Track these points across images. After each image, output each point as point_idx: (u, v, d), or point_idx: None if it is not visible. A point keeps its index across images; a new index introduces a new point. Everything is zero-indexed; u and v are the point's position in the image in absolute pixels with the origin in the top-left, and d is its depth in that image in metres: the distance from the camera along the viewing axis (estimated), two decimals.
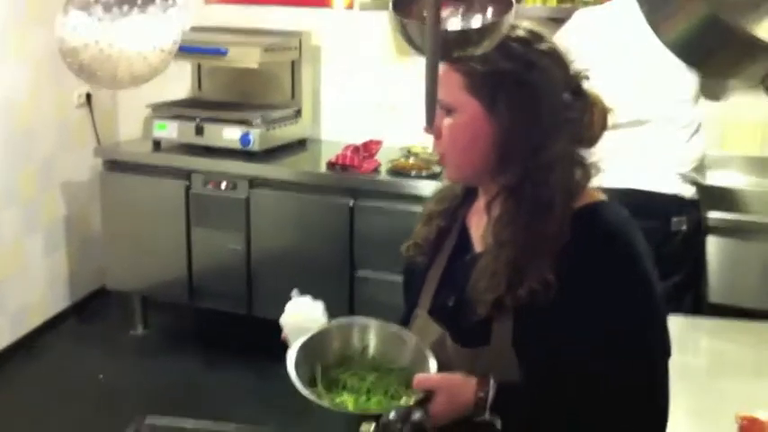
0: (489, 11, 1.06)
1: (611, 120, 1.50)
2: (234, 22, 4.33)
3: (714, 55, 0.89)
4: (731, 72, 0.90)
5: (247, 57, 3.80)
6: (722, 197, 3.46)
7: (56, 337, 4.27)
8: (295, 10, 4.27)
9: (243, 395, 3.56)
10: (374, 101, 4.20)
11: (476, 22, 1.06)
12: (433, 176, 3.51)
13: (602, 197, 1.50)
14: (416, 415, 1.39)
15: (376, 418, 1.41)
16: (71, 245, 4.42)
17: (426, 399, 1.38)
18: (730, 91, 3.06)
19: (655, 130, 2.95)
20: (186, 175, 3.92)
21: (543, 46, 1.44)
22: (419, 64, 1.05)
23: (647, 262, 1.42)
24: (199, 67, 4.37)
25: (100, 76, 1.34)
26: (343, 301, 3.67)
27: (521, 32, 1.43)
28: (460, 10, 1.08)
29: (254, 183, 3.82)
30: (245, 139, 3.83)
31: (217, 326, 4.29)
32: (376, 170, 3.71)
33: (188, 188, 3.93)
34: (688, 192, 2.97)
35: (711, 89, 3.04)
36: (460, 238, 1.59)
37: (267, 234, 3.84)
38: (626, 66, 2.96)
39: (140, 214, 4.04)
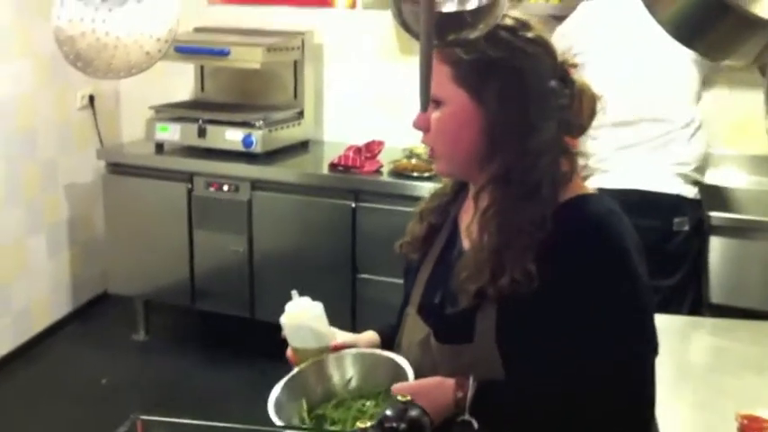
0: None
1: (599, 107, 1.49)
2: (236, 23, 4.33)
3: (708, 32, 0.88)
4: (726, 50, 0.89)
5: (250, 57, 3.80)
6: (725, 197, 3.46)
7: (58, 340, 4.26)
8: (297, 10, 4.28)
9: (246, 398, 3.54)
10: (376, 101, 4.20)
11: (471, 5, 1.06)
12: (435, 177, 3.50)
13: (591, 190, 1.49)
14: (413, 411, 1.38)
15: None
16: (74, 247, 4.42)
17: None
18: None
19: (654, 129, 2.95)
20: (188, 177, 3.92)
21: (530, 34, 1.44)
22: None
23: (634, 257, 1.40)
24: (202, 68, 4.37)
25: (96, 65, 1.34)
26: (345, 302, 3.67)
27: (508, 21, 1.43)
28: None
29: (256, 185, 3.81)
30: (247, 140, 3.83)
31: (219, 329, 4.29)
32: (378, 171, 3.71)
33: (190, 190, 3.93)
34: (689, 192, 2.96)
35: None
36: (451, 235, 1.59)
37: (269, 236, 3.84)
38: (626, 62, 2.96)
39: (143, 216, 4.05)
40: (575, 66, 1.50)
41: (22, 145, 4.00)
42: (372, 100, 4.22)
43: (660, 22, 0.95)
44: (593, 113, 1.49)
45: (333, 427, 1.44)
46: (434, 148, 1.51)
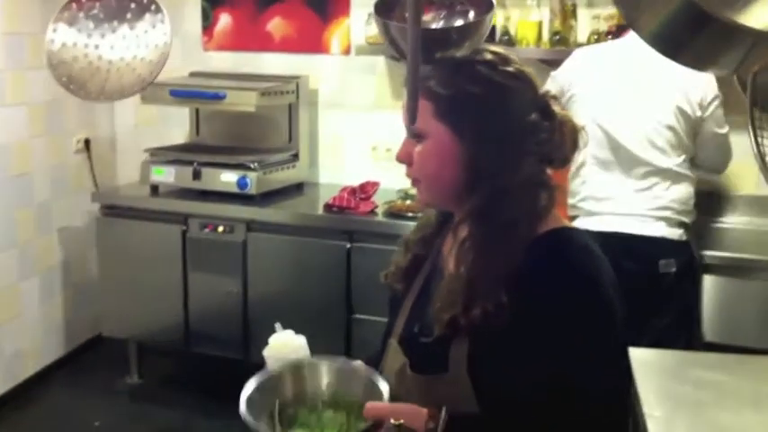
0: (471, 14, 1.07)
1: (581, 140, 1.49)
2: (232, 69, 4.38)
3: (691, 43, 0.90)
4: (708, 60, 0.90)
5: (245, 100, 3.82)
6: (717, 237, 3.47)
7: (51, 384, 4.23)
8: (292, 56, 4.33)
9: None
10: (371, 143, 4.23)
11: (457, 23, 1.07)
12: None
13: (568, 223, 1.50)
14: None
15: None
16: (67, 290, 4.40)
17: (375, 426, 1.36)
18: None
19: (636, 172, 2.98)
20: (183, 219, 3.92)
21: (510, 68, 1.45)
22: None
23: (608, 290, 1.39)
24: (197, 112, 4.40)
25: (89, 88, 1.35)
26: (340, 343, 3.65)
27: (488, 56, 1.45)
28: (442, 14, 1.09)
29: (251, 226, 3.82)
30: (242, 182, 3.84)
31: (213, 371, 4.25)
32: (373, 212, 3.72)
33: (185, 232, 3.93)
34: (674, 234, 2.97)
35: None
36: (434, 266, 1.60)
37: (264, 277, 3.82)
38: (615, 106, 3.01)
39: (137, 259, 4.04)
40: (555, 98, 1.50)
41: (16, 187, 4.01)
42: (367, 142, 4.25)
43: (644, 37, 0.96)
44: (575, 145, 1.49)
45: (301, 430, 1.43)
46: (417, 180, 1.53)
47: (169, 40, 1.39)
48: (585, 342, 1.37)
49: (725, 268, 3.13)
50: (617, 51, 3.08)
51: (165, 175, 3.99)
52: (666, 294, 2.95)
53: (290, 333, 1.64)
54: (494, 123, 1.42)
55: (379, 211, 3.72)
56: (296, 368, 1.56)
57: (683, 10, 0.86)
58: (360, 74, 4.25)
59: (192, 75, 4.35)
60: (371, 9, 1.30)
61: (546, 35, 3.74)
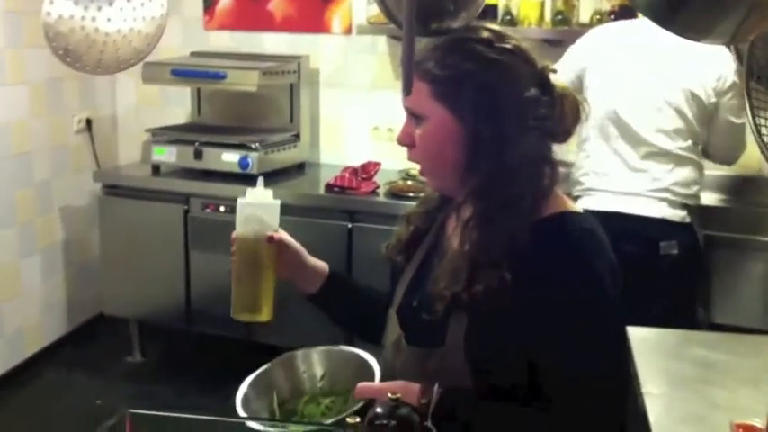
0: None
1: (583, 113, 1.49)
2: (233, 48, 4.37)
3: (684, 10, 0.89)
4: (703, 29, 0.90)
5: (246, 80, 3.82)
6: (723, 217, 3.45)
7: (52, 363, 4.24)
8: (293, 36, 4.32)
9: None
10: (372, 124, 4.22)
11: None
12: None
13: (573, 207, 1.50)
14: (403, 410, 1.37)
15: (361, 413, 1.40)
16: (69, 270, 4.41)
17: (366, 407, 1.36)
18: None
19: (636, 152, 2.97)
20: (185, 198, 3.93)
21: (505, 44, 1.44)
22: None
23: (605, 279, 1.41)
24: (198, 92, 4.40)
25: (85, 61, 1.36)
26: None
27: (483, 33, 1.45)
28: None
29: None
30: (243, 162, 3.84)
31: (214, 350, 4.27)
32: (374, 192, 3.72)
33: (186, 212, 3.93)
34: (676, 216, 2.95)
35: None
36: (436, 240, 1.60)
37: None
38: (618, 83, 2.99)
39: (138, 238, 4.05)
40: (554, 71, 1.49)
41: (17, 166, 4.02)
42: (368, 123, 4.24)
43: (639, 6, 0.95)
44: (576, 118, 1.49)
45: (301, 424, 1.43)
46: (422, 165, 1.53)
47: (165, 13, 1.39)
48: (582, 327, 1.38)
49: (730, 249, 3.13)
50: (634, 30, 3.04)
51: (167, 154, 3.99)
52: (667, 276, 2.93)
53: (267, 192, 1.59)
54: (492, 100, 1.41)
55: (381, 191, 3.72)
56: (288, 362, 1.56)
57: None
58: (361, 54, 4.23)
59: (194, 54, 4.34)
60: None
61: (548, 15, 3.72)
